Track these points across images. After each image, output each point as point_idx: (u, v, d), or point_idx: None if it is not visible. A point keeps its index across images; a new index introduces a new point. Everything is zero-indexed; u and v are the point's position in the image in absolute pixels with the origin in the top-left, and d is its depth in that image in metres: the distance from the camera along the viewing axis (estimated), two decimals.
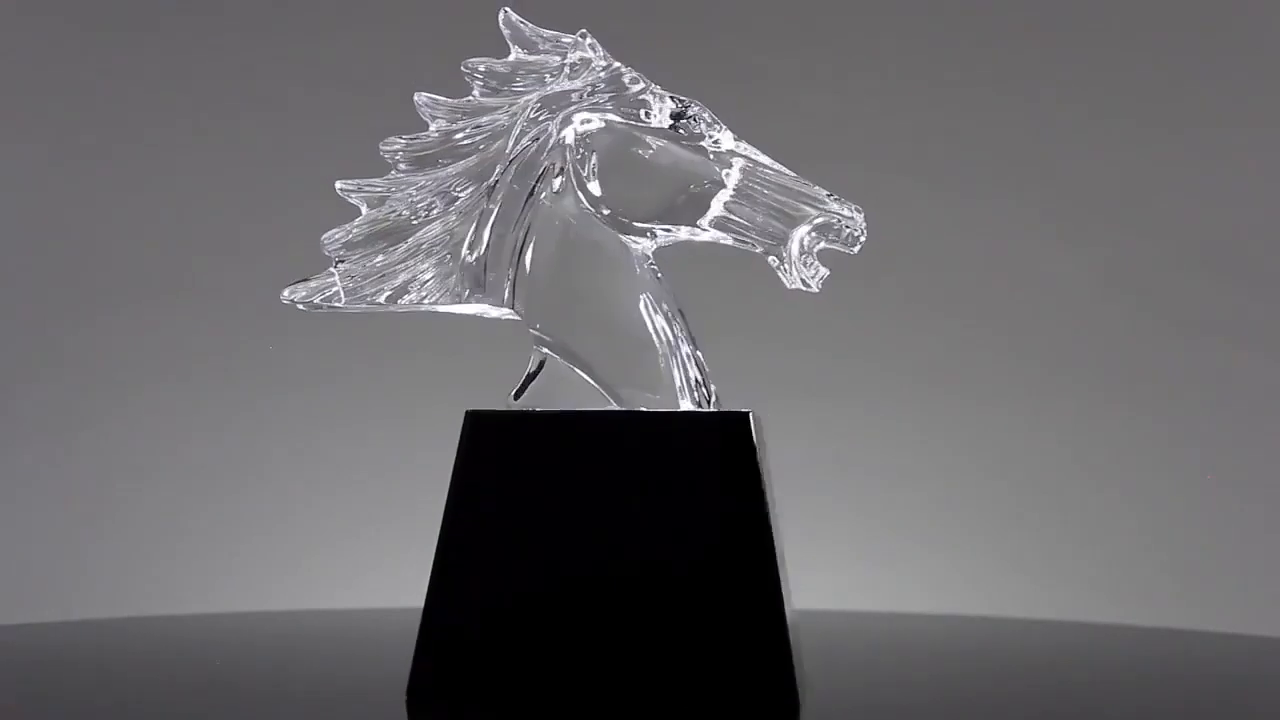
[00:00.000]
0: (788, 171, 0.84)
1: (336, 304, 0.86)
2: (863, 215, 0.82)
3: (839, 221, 0.82)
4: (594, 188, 0.83)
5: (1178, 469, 1.81)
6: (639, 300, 0.83)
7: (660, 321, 0.83)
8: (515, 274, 0.84)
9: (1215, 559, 1.77)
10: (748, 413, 0.78)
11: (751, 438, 0.77)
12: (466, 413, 0.83)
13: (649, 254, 0.85)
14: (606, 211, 0.83)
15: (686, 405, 0.82)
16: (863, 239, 0.82)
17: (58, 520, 1.77)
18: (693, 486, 0.76)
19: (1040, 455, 1.83)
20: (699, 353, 0.84)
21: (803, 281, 0.82)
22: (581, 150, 0.83)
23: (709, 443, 0.77)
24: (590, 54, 0.85)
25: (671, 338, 0.83)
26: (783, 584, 0.79)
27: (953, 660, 1.09)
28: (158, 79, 1.85)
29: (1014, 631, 1.30)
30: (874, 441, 1.83)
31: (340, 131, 1.86)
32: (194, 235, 1.84)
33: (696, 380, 0.83)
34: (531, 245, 0.84)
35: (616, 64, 0.86)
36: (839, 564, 1.79)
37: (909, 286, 1.87)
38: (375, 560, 1.77)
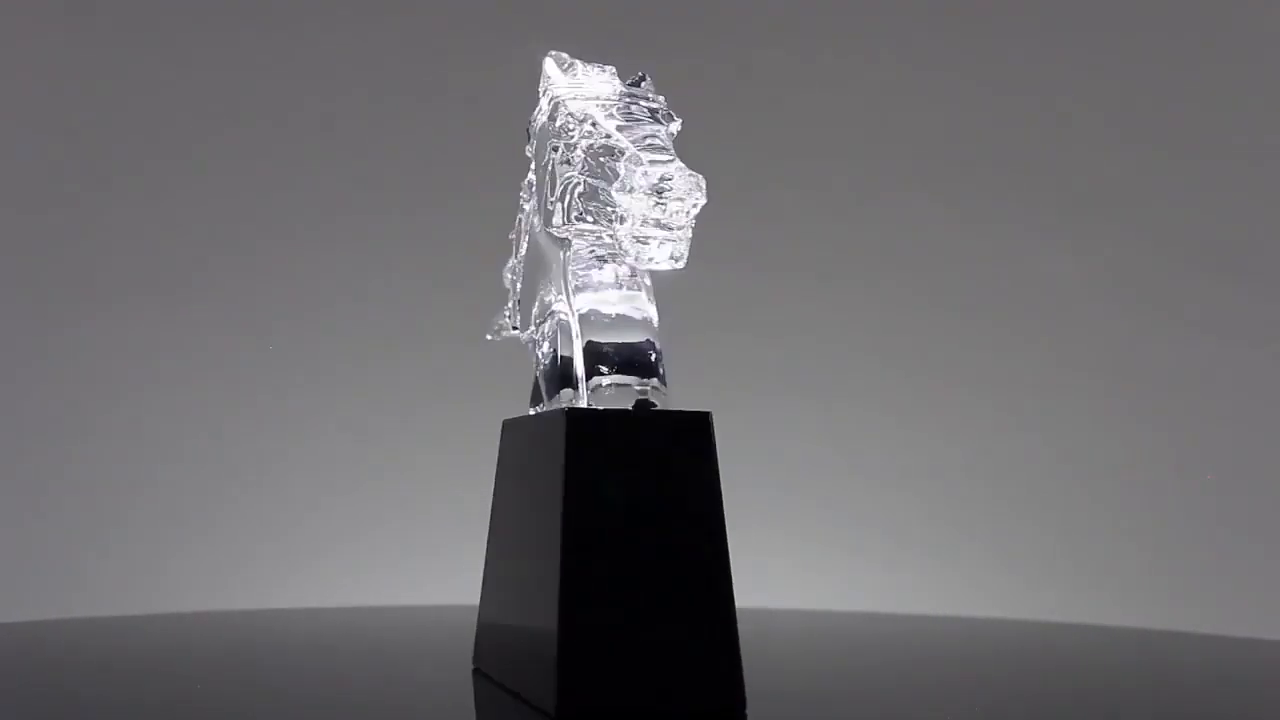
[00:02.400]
0: (627, 146, 0.79)
1: (510, 334, 0.93)
2: (680, 174, 0.75)
3: (653, 186, 0.76)
4: (535, 205, 0.86)
5: (1177, 469, 1.81)
6: (559, 306, 0.84)
7: (578, 319, 0.82)
8: (514, 298, 0.91)
9: (1215, 559, 1.77)
10: (564, 410, 0.77)
11: (561, 437, 0.76)
12: (504, 421, 0.89)
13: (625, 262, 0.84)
14: (540, 226, 0.85)
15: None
16: (681, 201, 0.76)
17: (57, 519, 1.78)
18: (559, 480, 0.77)
19: (1039, 455, 1.83)
20: (639, 355, 0.82)
21: (643, 257, 0.77)
22: (530, 171, 0.87)
23: (556, 441, 0.77)
24: (549, 72, 0.86)
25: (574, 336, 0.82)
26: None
27: (951, 661, 1.09)
28: (159, 79, 1.86)
29: (1013, 632, 1.30)
30: (872, 442, 1.83)
31: (341, 133, 1.87)
32: (195, 236, 1.84)
33: (637, 385, 0.81)
34: (519, 268, 0.90)
35: (556, 78, 0.86)
36: (837, 563, 1.79)
37: (909, 286, 1.87)
38: (373, 560, 1.77)
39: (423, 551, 1.73)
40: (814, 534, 1.80)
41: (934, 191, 1.87)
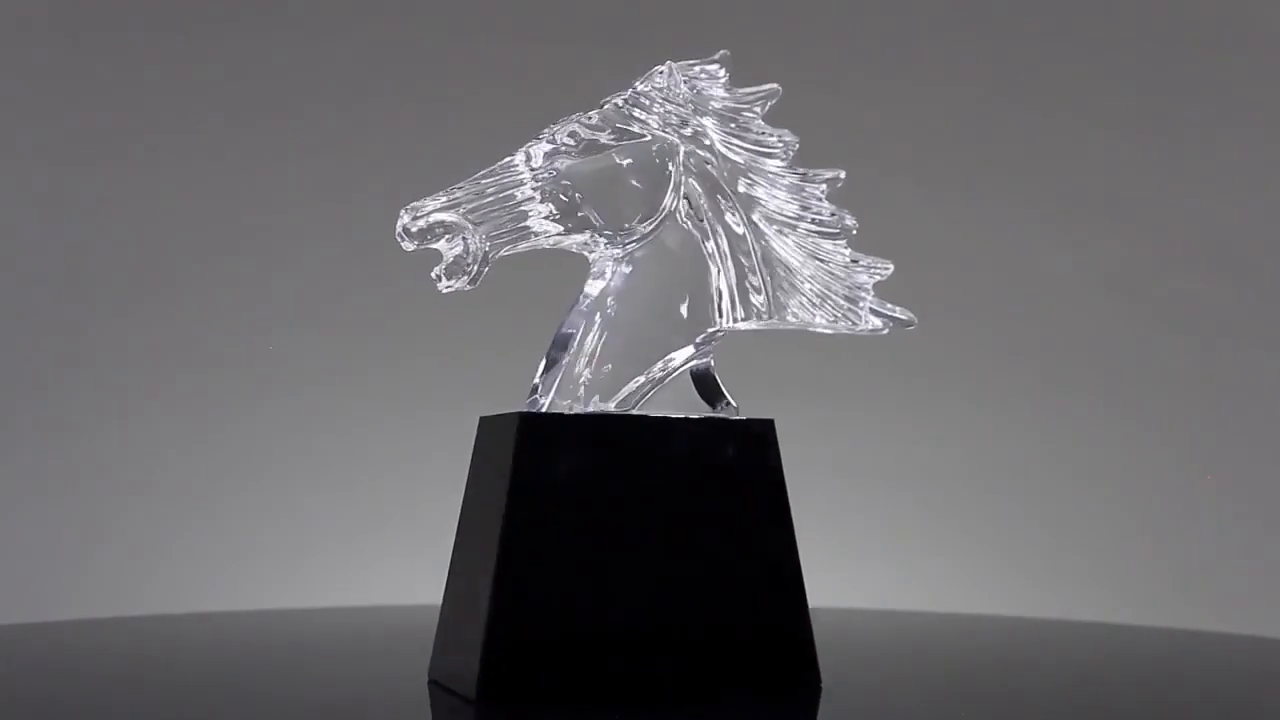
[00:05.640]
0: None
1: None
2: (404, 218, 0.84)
3: None
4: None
5: (1177, 469, 1.81)
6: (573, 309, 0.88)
7: (575, 324, 0.87)
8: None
9: (1215, 559, 1.77)
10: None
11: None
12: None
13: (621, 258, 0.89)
14: None
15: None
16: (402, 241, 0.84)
17: (53, 520, 1.77)
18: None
19: (1039, 455, 1.83)
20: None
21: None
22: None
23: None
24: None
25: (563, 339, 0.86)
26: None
27: (951, 659, 1.09)
28: (161, 79, 1.86)
29: (1013, 631, 1.30)
30: (873, 442, 1.83)
31: (341, 132, 1.87)
32: (193, 236, 1.84)
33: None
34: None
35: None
36: (835, 562, 1.79)
37: (909, 286, 1.87)
38: (371, 559, 1.77)
39: (421, 549, 1.73)
40: (812, 533, 1.79)
41: (936, 191, 1.87)
